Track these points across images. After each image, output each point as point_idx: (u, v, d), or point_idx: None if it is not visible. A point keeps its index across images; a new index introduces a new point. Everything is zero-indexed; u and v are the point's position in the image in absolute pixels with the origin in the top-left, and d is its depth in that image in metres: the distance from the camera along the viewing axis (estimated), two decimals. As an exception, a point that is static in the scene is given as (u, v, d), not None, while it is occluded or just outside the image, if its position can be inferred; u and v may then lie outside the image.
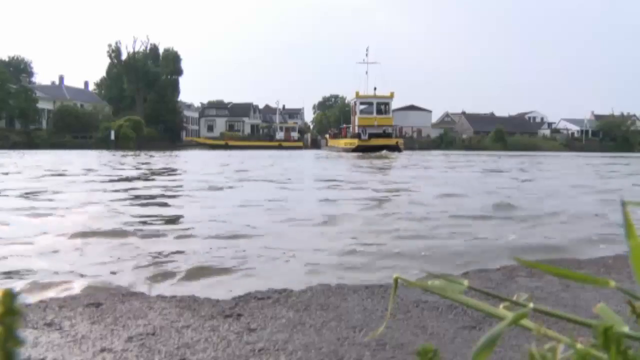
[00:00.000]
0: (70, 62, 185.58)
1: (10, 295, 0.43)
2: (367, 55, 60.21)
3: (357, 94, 49.73)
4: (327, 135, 58.18)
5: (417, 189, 10.38)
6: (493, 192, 9.55)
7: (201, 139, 76.43)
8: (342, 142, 49.06)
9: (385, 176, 15.54)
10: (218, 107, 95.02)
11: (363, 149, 41.68)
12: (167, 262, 3.97)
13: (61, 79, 76.87)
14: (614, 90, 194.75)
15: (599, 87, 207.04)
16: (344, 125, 54.06)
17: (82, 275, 3.51)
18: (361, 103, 47.71)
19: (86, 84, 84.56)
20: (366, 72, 58.51)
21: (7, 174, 14.46)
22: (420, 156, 37.91)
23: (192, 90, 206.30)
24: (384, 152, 39.53)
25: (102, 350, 2.10)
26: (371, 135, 44.14)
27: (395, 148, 41.98)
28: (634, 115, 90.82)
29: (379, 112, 46.85)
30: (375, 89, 50.78)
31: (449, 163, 26.07)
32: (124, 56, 74.76)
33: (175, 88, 78.41)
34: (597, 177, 15.55)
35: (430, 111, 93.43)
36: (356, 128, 46.43)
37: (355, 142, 44.41)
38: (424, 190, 10.10)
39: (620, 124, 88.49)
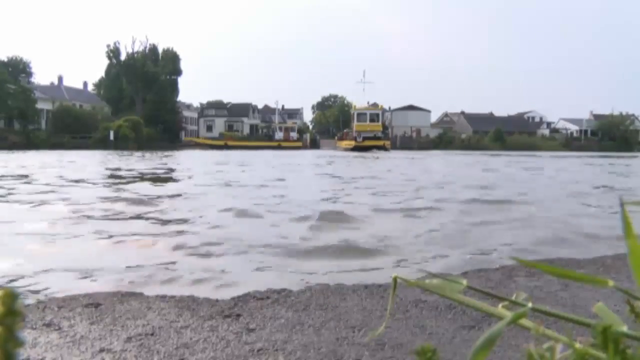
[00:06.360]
0: (69, 63, 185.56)
1: (11, 295, 0.43)
2: (364, 76, 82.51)
3: (354, 107, 66.09)
4: (336, 137, 73.88)
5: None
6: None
7: (200, 139, 76.23)
8: (344, 143, 62.73)
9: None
10: (217, 107, 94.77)
11: (358, 149, 54.43)
12: (166, 262, 3.97)
13: (60, 79, 76.65)
14: (613, 90, 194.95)
15: (598, 87, 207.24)
16: (345, 130, 68.94)
17: (80, 276, 3.51)
18: (358, 114, 62.49)
19: (85, 84, 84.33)
20: (363, 89, 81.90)
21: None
22: (403, 156, 38.07)
23: (192, 91, 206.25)
24: (373, 150, 52.81)
25: (101, 350, 2.10)
26: (365, 138, 57.83)
27: (382, 148, 55.46)
28: (633, 115, 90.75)
29: (372, 120, 61.24)
30: (368, 102, 66.66)
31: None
32: (123, 56, 74.55)
33: (174, 88, 78.23)
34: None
35: (429, 111, 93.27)
36: (354, 133, 60.62)
37: (353, 143, 57.70)
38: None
39: (619, 124, 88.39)
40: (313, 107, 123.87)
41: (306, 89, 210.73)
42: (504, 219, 6.29)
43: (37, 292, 3.11)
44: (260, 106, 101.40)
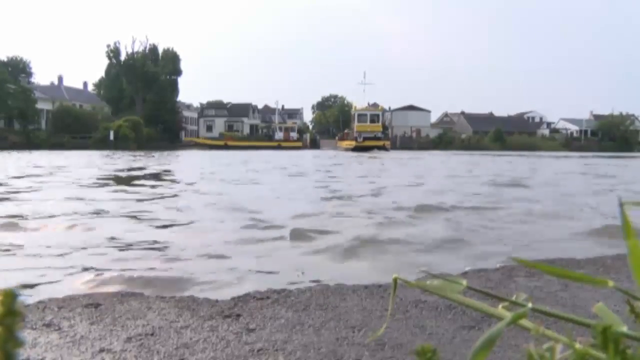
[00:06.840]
0: (69, 63, 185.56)
1: (12, 295, 0.43)
2: (364, 77, 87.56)
3: (354, 107, 67.21)
4: (337, 138, 75.69)
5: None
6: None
7: (200, 139, 76.21)
8: (344, 143, 63.86)
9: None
10: (217, 107, 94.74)
11: (359, 149, 55.66)
12: (166, 262, 3.97)
13: (60, 79, 76.70)
14: (613, 90, 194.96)
15: (598, 87, 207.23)
16: (346, 131, 70.15)
17: (80, 276, 3.51)
18: (358, 115, 63.57)
19: (85, 84, 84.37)
20: (364, 90, 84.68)
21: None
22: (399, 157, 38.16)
23: (192, 91, 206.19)
24: (373, 150, 54.18)
25: (101, 350, 2.10)
26: (365, 139, 58.93)
27: (382, 148, 56.85)
28: (633, 115, 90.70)
29: (372, 121, 62.52)
30: (368, 103, 69.27)
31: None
32: (123, 56, 74.47)
33: (174, 88, 78.20)
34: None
35: (429, 111, 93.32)
36: (354, 133, 61.69)
37: (354, 143, 58.79)
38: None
39: (619, 124, 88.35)
40: (313, 107, 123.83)
41: (306, 89, 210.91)
42: (505, 218, 6.29)
43: (37, 292, 3.11)
44: (260, 106, 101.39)
